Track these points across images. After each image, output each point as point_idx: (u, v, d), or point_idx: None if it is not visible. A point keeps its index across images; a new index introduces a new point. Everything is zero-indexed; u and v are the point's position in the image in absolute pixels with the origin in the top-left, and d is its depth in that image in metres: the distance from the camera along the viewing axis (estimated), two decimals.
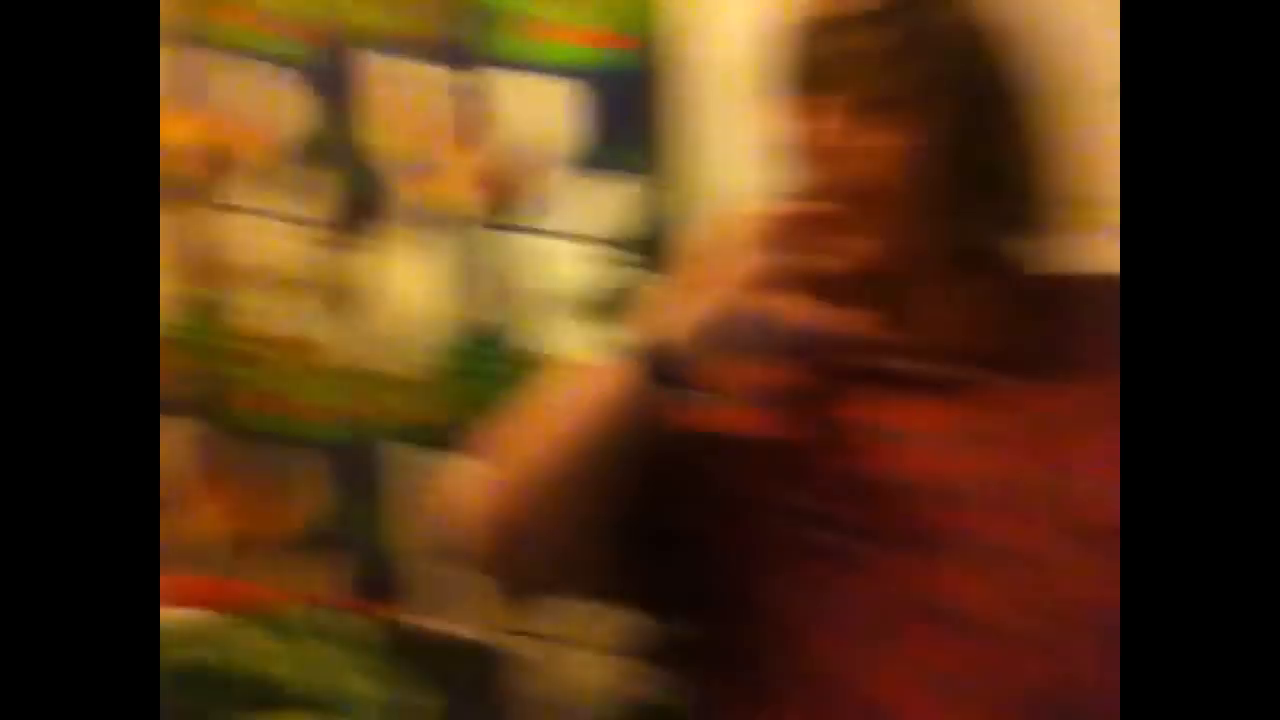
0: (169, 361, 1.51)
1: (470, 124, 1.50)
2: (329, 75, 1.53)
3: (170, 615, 1.28)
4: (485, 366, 1.49)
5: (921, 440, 0.67)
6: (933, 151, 0.66)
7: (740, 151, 1.33)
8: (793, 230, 0.66)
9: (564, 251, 1.47)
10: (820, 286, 0.68)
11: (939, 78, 0.67)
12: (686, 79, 1.48)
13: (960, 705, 0.63)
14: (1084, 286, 0.71)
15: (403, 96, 1.52)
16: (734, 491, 0.69)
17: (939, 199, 0.67)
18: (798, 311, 0.67)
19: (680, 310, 0.66)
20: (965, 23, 0.69)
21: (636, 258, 1.47)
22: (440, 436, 1.45)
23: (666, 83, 1.44)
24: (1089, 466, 0.64)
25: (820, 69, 0.68)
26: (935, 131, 0.66)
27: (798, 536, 0.67)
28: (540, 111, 1.47)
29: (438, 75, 1.49)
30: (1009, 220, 0.70)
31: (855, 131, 0.66)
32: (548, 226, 1.46)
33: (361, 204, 1.52)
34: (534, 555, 0.71)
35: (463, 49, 1.50)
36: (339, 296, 1.52)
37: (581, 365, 0.73)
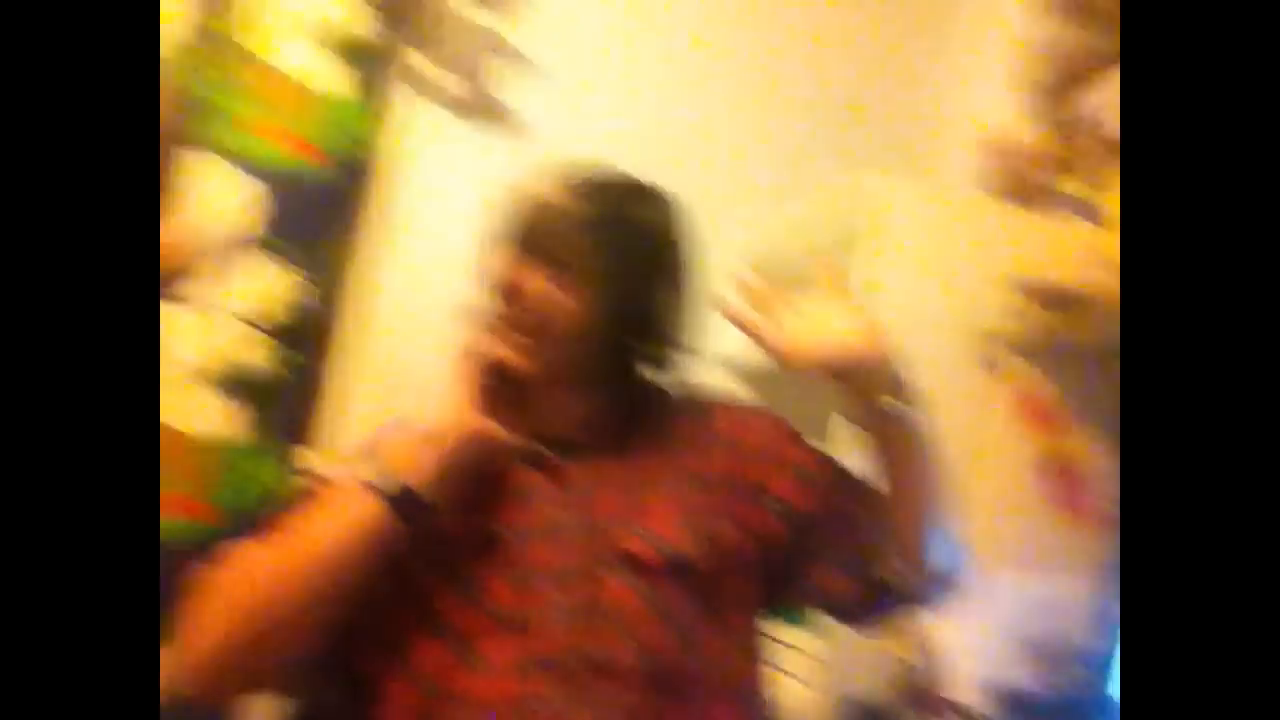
0: None
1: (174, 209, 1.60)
2: None
3: None
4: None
5: (535, 498, 0.93)
6: (593, 307, 0.93)
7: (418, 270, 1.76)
8: (486, 361, 0.92)
9: (221, 329, 1.57)
10: (503, 401, 0.93)
11: (607, 262, 0.94)
12: (376, 199, 1.77)
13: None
14: (672, 398, 1.02)
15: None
16: (400, 558, 0.88)
17: (592, 338, 0.94)
18: (493, 433, 0.92)
19: (416, 456, 0.88)
20: (630, 223, 0.97)
21: (293, 344, 1.63)
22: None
23: (352, 198, 1.71)
24: (632, 514, 0.92)
25: (523, 234, 0.94)
26: (597, 294, 0.93)
27: (435, 583, 0.89)
28: (227, 198, 1.60)
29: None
30: (645, 354, 0.99)
31: (538, 281, 0.92)
32: (210, 303, 1.57)
33: None
34: (257, 673, 0.87)
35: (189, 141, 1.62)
36: None
37: (324, 497, 0.90)
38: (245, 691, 0.93)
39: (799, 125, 2.13)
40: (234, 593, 0.85)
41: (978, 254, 1.51)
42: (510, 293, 0.93)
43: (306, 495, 0.94)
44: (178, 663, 0.84)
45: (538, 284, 0.92)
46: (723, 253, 1.88)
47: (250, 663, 0.85)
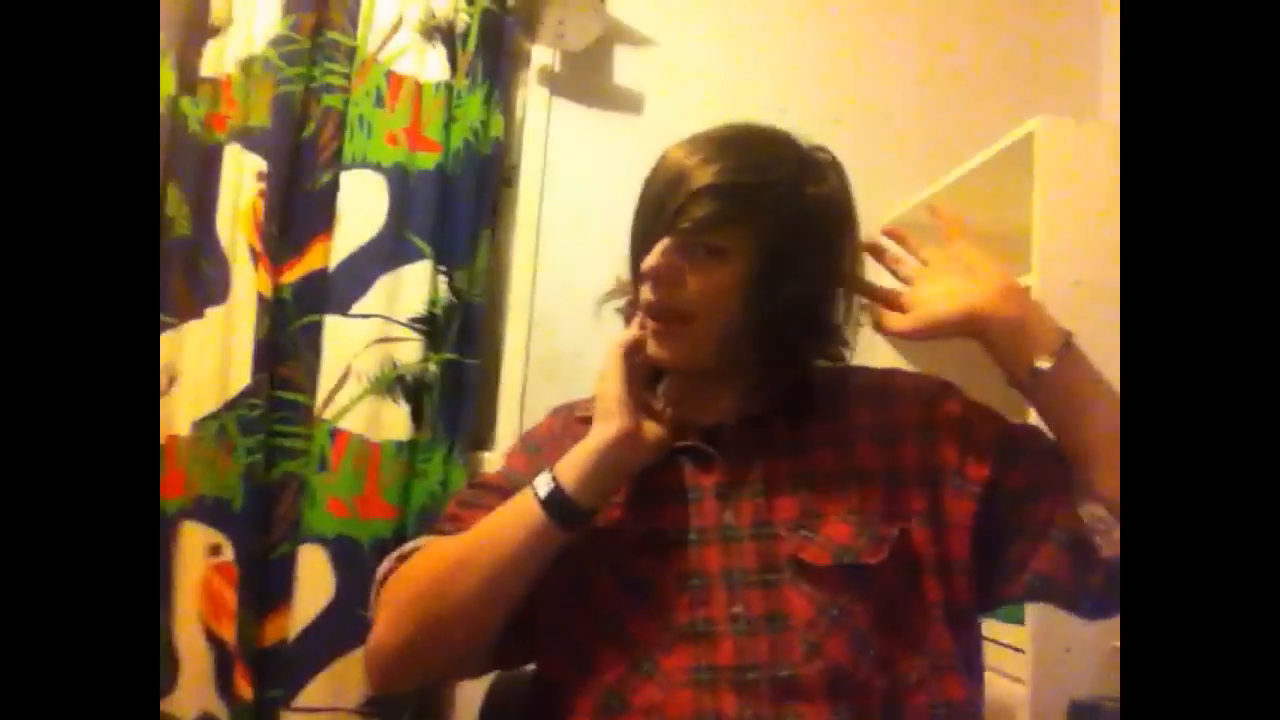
0: None
1: (312, 216, 1.62)
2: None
3: None
4: (290, 441, 1.57)
5: (704, 498, 0.89)
6: (742, 288, 0.86)
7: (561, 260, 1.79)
8: (638, 353, 0.89)
9: (372, 332, 1.59)
10: (661, 392, 0.93)
11: (758, 239, 0.86)
12: (512, 191, 1.80)
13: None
14: (846, 383, 0.95)
15: (251, 188, 1.62)
16: (572, 558, 0.87)
17: (740, 321, 0.87)
18: (651, 435, 0.87)
19: (575, 462, 0.85)
20: (794, 197, 0.88)
21: (453, 341, 1.64)
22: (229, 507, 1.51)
23: (487, 191, 1.71)
24: (806, 517, 0.86)
25: (664, 216, 0.86)
26: (747, 275, 0.86)
27: (605, 578, 0.88)
28: (371, 205, 1.62)
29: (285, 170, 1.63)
30: (811, 340, 0.92)
31: (686, 267, 0.86)
32: (363, 309, 1.59)
33: (201, 286, 1.61)
34: (431, 663, 0.90)
35: (313, 147, 1.64)
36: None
37: (494, 501, 0.90)
38: (422, 679, 0.97)
39: (952, 77, 2.02)
40: (410, 588, 0.87)
41: None
42: (656, 279, 0.86)
43: (480, 491, 0.96)
44: (366, 652, 0.90)
45: (685, 269, 0.86)
46: (882, 220, 1.83)
47: (424, 653, 0.87)
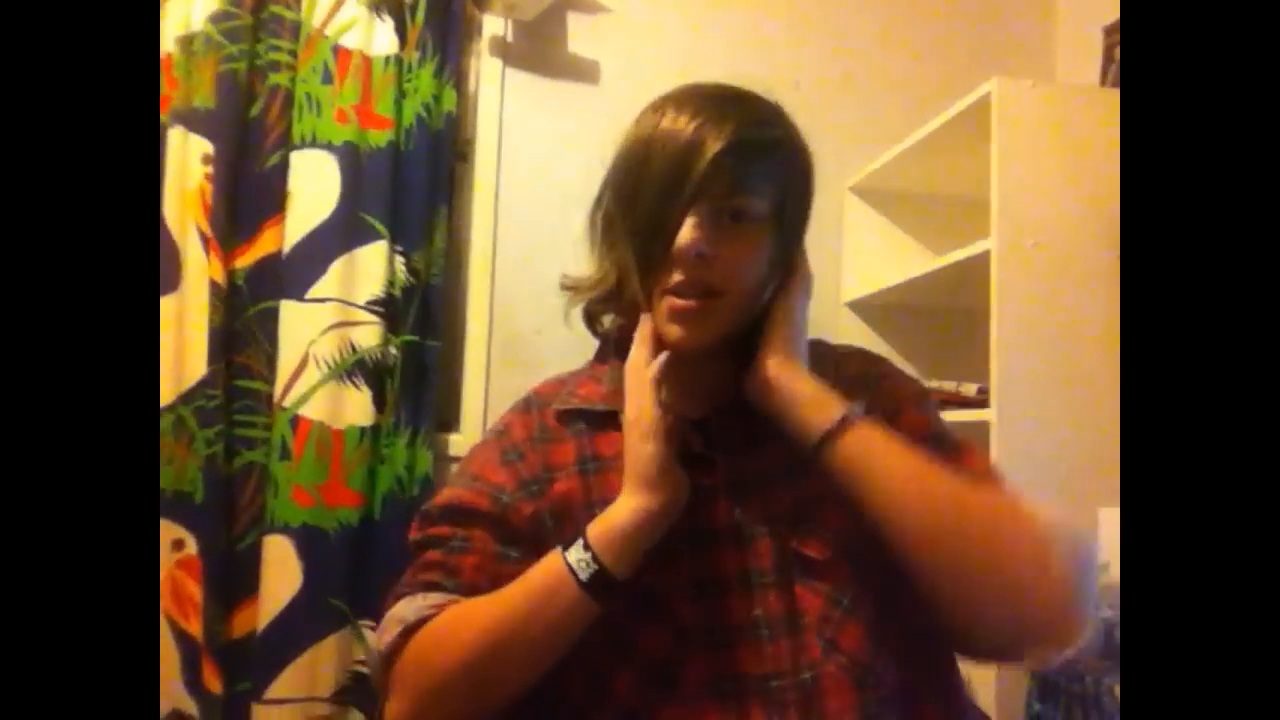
0: None
1: (263, 199, 1.60)
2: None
3: None
4: (250, 430, 1.55)
5: (705, 496, 0.82)
6: (768, 254, 0.82)
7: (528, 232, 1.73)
8: (665, 375, 0.81)
9: (330, 316, 1.56)
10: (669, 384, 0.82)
11: (777, 199, 0.82)
12: (467, 168, 1.75)
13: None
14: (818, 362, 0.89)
15: (198, 171, 1.58)
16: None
17: (762, 291, 0.83)
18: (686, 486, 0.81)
19: (615, 535, 0.78)
20: (795, 149, 0.85)
21: (402, 321, 1.61)
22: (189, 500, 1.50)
23: (441, 168, 1.67)
24: (802, 510, 0.82)
25: (687, 187, 0.78)
26: (770, 238, 0.82)
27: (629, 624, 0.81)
28: (323, 186, 1.58)
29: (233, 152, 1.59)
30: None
31: (712, 239, 0.79)
32: (319, 293, 1.56)
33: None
34: None
35: (260, 127, 1.61)
36: None
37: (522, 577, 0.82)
38: None
39: (908, 40, 2.01)
40: (437, 671, 0.80)
41: (1106, 146, 1.49)
42: (697, 256, 0.79)
43: (468, 527, 0.87)
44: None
45: (714, 239, 0.79)
46: (840, 186, 1.82)
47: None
